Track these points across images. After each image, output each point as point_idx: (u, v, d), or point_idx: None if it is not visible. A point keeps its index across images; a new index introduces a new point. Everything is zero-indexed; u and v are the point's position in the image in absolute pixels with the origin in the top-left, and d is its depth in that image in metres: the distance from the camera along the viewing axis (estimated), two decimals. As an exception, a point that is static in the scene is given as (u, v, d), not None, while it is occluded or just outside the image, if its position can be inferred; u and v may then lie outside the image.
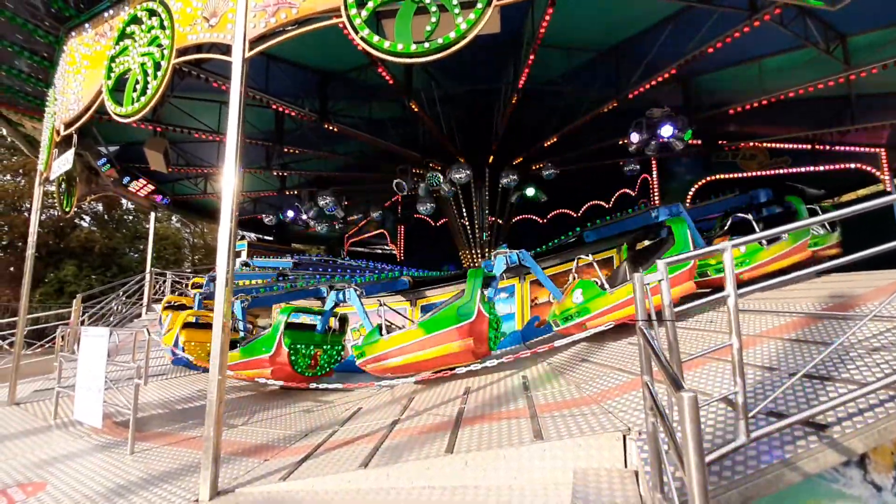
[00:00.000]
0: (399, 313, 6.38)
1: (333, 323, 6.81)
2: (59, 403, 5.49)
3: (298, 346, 6.19)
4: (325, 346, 6.50)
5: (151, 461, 3.93)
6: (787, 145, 9.75)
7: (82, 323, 10.14)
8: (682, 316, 4.56)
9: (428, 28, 3.42)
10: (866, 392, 2.13)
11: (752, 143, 10.07)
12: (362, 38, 3.56)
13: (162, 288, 14.12)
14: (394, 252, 17.07)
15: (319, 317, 6.58)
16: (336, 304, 6.32)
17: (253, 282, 8.44)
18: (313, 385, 5.55)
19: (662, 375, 1.52)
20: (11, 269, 23.02)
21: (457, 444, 3.03)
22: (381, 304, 5.64)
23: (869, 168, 9.14)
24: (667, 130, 7.86)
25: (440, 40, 3.39)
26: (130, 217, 28.04)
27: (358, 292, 6.10)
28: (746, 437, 1.98)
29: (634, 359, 3.67)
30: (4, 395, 6.38)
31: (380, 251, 17.74)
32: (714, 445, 2.12)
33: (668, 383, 1.42)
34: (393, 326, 5.37)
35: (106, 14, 5.44)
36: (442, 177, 9.76)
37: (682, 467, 1.24)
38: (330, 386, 5.60)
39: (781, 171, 10.13)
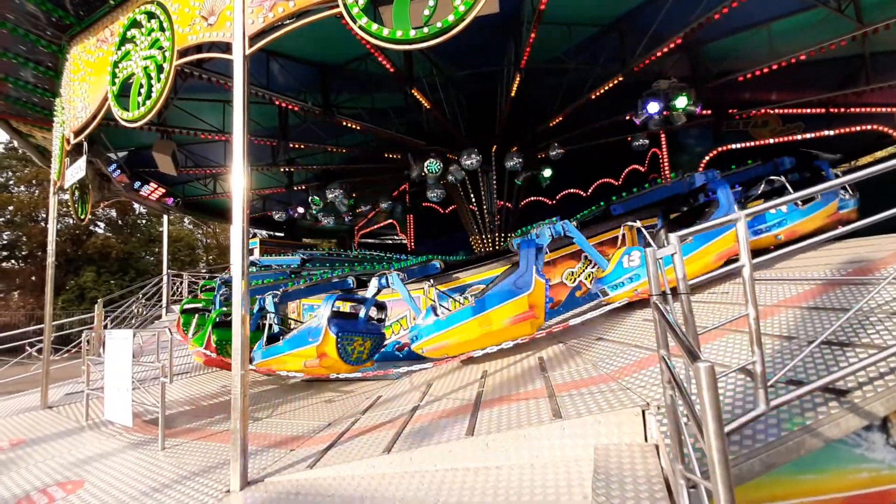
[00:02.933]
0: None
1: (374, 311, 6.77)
2: (89, 405, 5.66)
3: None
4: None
5: (182, 456, 4.05)
6: (799, 110, 9.51)
7: (105, 327, 10.40)
8: (698, 289, 4.53)
9: (426, 12, 3.38)
10: (887, 355, 2.11)
11: (763, 111, 9.84)
12: (360, 27, 3.53)
13: (179, 289, 14.38)
14: (404, 241, 17.13)
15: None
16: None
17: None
18: (333, 376, 5.64)
19: (679, 348, 1.52)
20: (33, 278, 23.63)
21: (477, 427, 3.07)
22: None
23: (886, 129, 8.88)
24: (654, 107, 7.78)
25: (439, 24, 3.35)
26: (144, 221, 28.50)
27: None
28: (766, 405, 1.98)
29: (650, 335, 3.67)
30: (37, 399, 6.61)
31: (390, 241, 17.82)
32: (734, 416, 2.12)
33: (684, 355, 1.42)
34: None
35: (106, 20, 5.47)
36: (441, 164, 9.67)
37: (701, 438, 1.25)
38: (350, 376, 5.68)
39: (795, 138, 9.90)
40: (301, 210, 12.96)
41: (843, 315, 2.55)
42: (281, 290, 7.36)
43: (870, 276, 3.42)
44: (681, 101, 7.71)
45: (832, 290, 3.38)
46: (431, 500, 2.50)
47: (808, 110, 9.43)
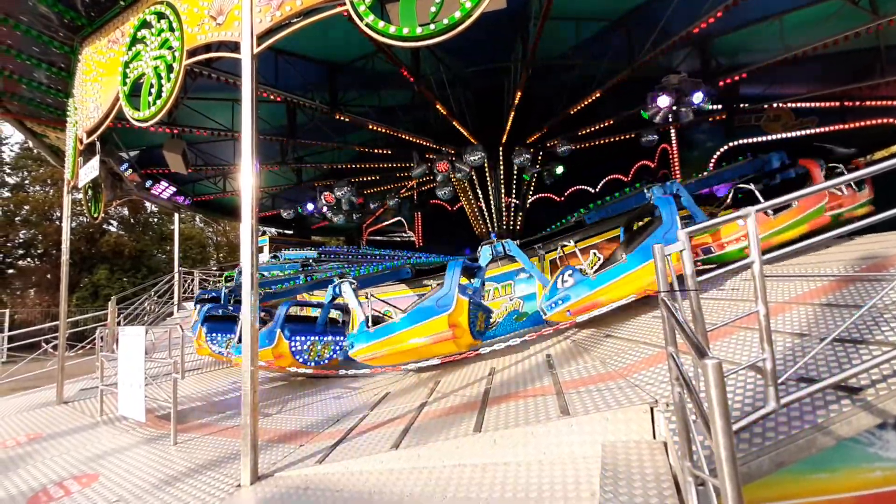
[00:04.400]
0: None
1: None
2: (103, 401, 5.76)
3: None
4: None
5: (194, 451, 4.11)
6: (813, 104, 9.35)
7: (118, 323, 10.56)
8: (707, 286, 4.49)
9: (433, 9, 3.38)
10: (902, 353, 2.07)
11: (775, 105, 9.69)
12: (367, 25, 3.53)
13: (191, 286, 14.55)
14: (412, 239, 17.16)
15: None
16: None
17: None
18: (342, 371, 5.69)
19: (687, 345, 1.51)
20: (48, 276, 24.04)
21: (484, 423, 3.08)
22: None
23: (903, 122, 8.71)
24: (664, 101, 7.68)
25: (446, 21, 3.34)
26: (155, 219, 28.84)
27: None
28: (776, 403, 1.96)
29: (659, 332, 3.65)
30: (53, 395, 6.74)
31: (398, 239, 17.85)
32: (744, 413, 2.10)
33: (692, 352, 1.41)
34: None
35: (116, 20, 5.53)
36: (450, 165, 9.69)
37: (709, 435, 1.24)
38: (358, 372, 5.72)
39: (809, 132, 9.74)
40: (311, 207, 13.01)
41: (856, 312, 2.51)
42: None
43: (884, 273, 3.36)
44: (697, 97, 7.59)
45: (845, 287, 3.33)
46: (439, 496, 2.52)
47: (822, 104, 9.27)
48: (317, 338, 6.50)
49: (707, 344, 1.99)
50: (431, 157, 10.52)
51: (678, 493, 1.94)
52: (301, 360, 6.24)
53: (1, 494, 3.68)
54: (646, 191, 5.48)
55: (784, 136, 10.05)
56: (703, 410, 1.35)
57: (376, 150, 11.59)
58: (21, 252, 24.57)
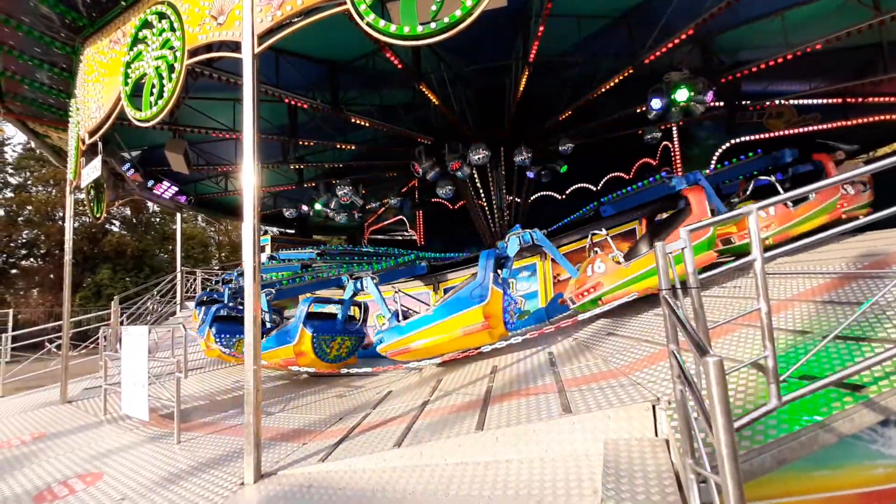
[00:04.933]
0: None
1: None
2: (107, 400, 5.79)
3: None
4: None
5: (197, 449, 4.13)
6: (815, 101, 9.31)
7: (121, 323, 10.60)
8: (709, 284, 4.49)
9: (433, 8, 3.38)
10: (904, 350, 2.07)
11: (778, 101, 9.66)
12: (368, 24, 3.54)
13: (193, 286, 14.59)
14: (414, 237, 17.17)
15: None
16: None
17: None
18: (344, 370, 5.70)
19: (688, 343, 1.52)
20: (51, 275, 24.14)
21: (487, 422, 3.09)
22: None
23: (906, 119, 8.67)
24: (657, 104, 7.69)
25: (446, 19, 3.34)
26: (157, 219, 28.93)
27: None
28: (778, 400, 1.96)
29: (661, 330, 3.65)
30: (57, 394, 6.78)
31: (400, 238, 17.86)
32: (745, 411, 2.10)
33: (693, 350, 1.41)
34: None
35: (118, 21, 5.55)
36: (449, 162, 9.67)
37: (710, 432, 1.25)
38: (360, 371, 5.74)
39: (811, 129, 9.71)
40: (317, 206, 13.03)
41: (858, 309, 2.51)
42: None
43: (887, 270, 3.36)
44: (681, 94, 7.57)
45: (848, 284, 3.32)
46: (441, 494, 2.52)
47: (825, 100, 9.23)
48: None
49: (709, 341, 1.99)
50: (441, 153, 10.46)
51: (680, 491, 1.95)
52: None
53: (7, 493, 3.71)
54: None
55: (787, 133, 10.02)
56: (704, 408, 1.35)
57: (378, 149, 11.61)
58: (24, 252, 24.69)
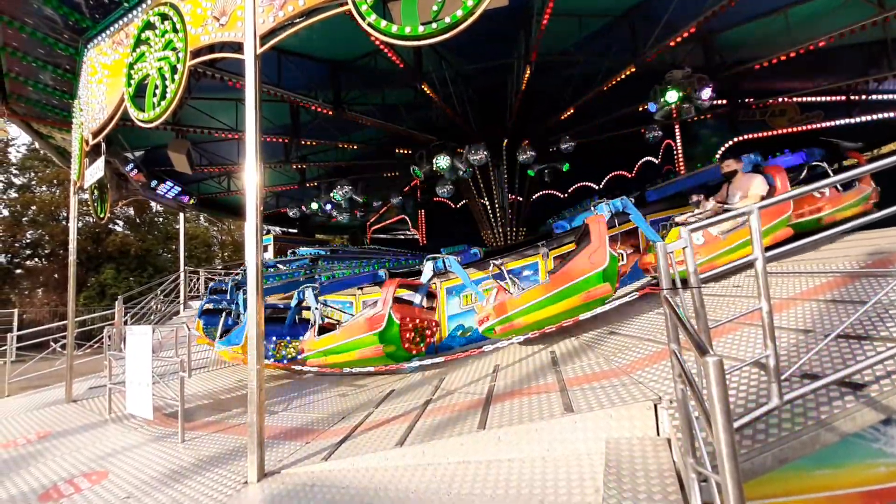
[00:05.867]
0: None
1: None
2: (112, 399, 5.83)
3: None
4: None
5: (201, 448, 4.15)
6: (819, 98, 9.27)
7: (125, 323, 10.66)
8: (710, 283, 4.49)
9: (434, 8, 3.38)
10: (906, 349, 2.07)
11: (781, 99, 9.62)
12: (369, 25, 3.54)
13: (196, 285, 14.65)
14: (416, 237, 17.18)
15: None
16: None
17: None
18: (346, 370, 5.73)
19: (689, 342, 1.52)
20: (55, 275, 24.26)
21: (489, 421, 3.10)
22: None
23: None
24: (672, 96, 7.66)
25: (448, 19, 3.34)
26: (161, 219, 29.01)
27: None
28: (780, 399, 1.96)
29: (663, 328, 3.65)
30: (62, 393, 6.83)
31: (402, 237, 17.88)
32: (747, 410, 2.11)
33: (693, 349, 1.42)
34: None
35: (121, 22, 5.57)
36: (451, 160, 9.65)
37: (710, 431, 1.25)
38: (363, 370, 5.76)
39: (814, 126, 9.67)
40: (315, 206, 13.07)
41: (860, 308, 2.50)
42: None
43: (890, 269, 3.35)
44: (671, 96, 7.58)
45: (850, 283, 3.32)
46: (444, 492, 2.54)
47: (828, 98, 9.20)
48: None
49: (710, 341, 1.99)
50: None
51: (681, 490, 1.95)
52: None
53: (13, 491, 3.74)
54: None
55: (789, 131, 9.98)
56: (704, 407, 1.36)
57: (380, 149, 11.61)
58: (28, 252, 24.80)
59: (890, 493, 2.39)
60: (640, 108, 8.78)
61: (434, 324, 6.01)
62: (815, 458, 2.26)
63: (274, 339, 6.60)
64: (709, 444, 1.82)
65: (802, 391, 2.02)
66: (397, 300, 5.56)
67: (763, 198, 4.79)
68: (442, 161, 9.49)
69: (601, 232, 4.66)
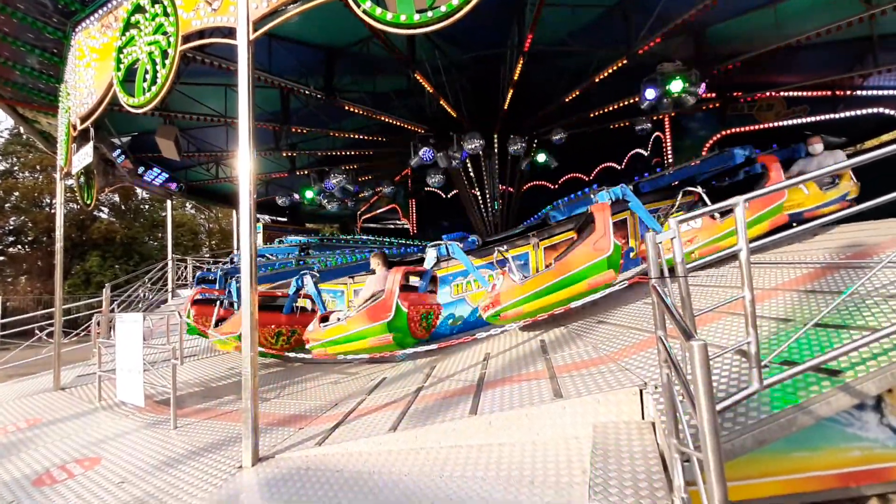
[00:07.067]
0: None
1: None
2: (101, 387, 5.81)
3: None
4: None
5: (194, 434, 4.18)
6: (805, 93, 9.43)
7: (112, 311, 10.56)
8: (696, 273, 4.60)
9: (430, -4, 3.37)
10: (880, 336, 2.17)
11: (768, 94, 9.76)
12: (364, 11, 3.52)
13: (184, 273, 14.52)
14: (407, 226, 17.18)
15: None
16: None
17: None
18: (340, 357, 5.77)
19: (675, 329, 1.59)
20: (39, 263, 23.85)
21: (480, 406, 3.17)
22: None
23: (893, 112, 8.81)
24: (651, 94, 7.74)
25: (443, 8, 3.33)
26: (147, 206, 28.58)
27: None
28: (759, 384, 2.05)
29: (649, 318, 3.74)
30: (49, 381, 6.78)
31: (392, 226, 17.86)
32: (729, 394, 2.20)
33: (680, 335, 1.49)
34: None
35: (110, 5, 5.44)
36: (442, 151, 9.65)
37: (694, 412, 1.32)
38: (355, 358, 5.80)
39: (800, 121, 9.83)
40: (309, 196, 12.96)
41: (838, 298, 2.61)
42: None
43: (867, 260, 3.47)
44: (676, 85, 7.63)
45: (829, 274, 3.43)
46: (436, 475, 2.61)
47: (814, 93, 9.36)
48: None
49: (694, 328, 2.07)
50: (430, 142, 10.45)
51: (665, 470, 2.04)
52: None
53: (5, 477, 3.75)
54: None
55: (776, 125, 10.14)
56: (689, 390, 1.43)
57: (371, 137, 11.55)
58: (11, 239, 24.32)
59: (864, 476, 2.51)
60: (631, 101, 8.85)
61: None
62: (792, 440, 2.37)
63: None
64: (692, 427, 1.90)
65: (781, 376, 2.11)
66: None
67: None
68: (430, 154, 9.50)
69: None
